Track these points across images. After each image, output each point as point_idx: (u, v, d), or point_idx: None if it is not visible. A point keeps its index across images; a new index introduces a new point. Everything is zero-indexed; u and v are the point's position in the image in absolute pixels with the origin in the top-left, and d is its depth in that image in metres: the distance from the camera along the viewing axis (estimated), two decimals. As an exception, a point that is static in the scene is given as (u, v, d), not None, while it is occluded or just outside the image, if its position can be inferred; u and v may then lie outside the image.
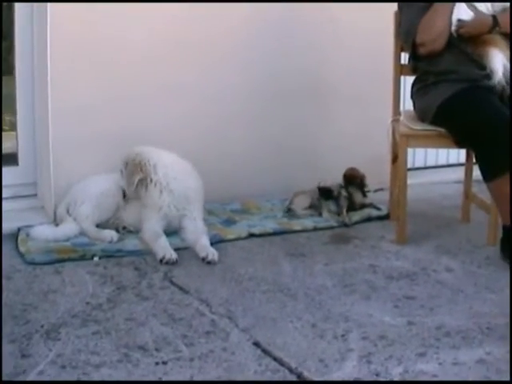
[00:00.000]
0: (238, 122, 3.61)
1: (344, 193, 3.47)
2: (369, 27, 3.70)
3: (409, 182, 3.11)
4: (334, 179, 3.53)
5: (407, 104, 3.39)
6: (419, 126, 3.07)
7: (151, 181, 3.01)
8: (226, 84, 3.54)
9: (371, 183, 3.65)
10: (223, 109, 3.57)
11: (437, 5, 2.98)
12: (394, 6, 3.26)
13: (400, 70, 3.34)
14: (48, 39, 3.12)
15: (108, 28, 3.25)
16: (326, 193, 3.46)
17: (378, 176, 3.65)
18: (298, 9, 3.61)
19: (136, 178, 3.00)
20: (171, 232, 3.05)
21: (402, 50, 3.31)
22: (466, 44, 2.99)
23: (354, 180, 3.53)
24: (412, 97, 3.24)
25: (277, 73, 3.65)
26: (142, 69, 3.35)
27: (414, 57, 3.12)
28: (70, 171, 3.21)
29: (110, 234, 3.02)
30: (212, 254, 2.84)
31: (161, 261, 2.81)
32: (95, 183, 3.14)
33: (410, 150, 3.15)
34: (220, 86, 3.53)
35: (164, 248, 2.86)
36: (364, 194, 3.57)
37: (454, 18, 2.97)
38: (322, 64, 3.77)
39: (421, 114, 3.14)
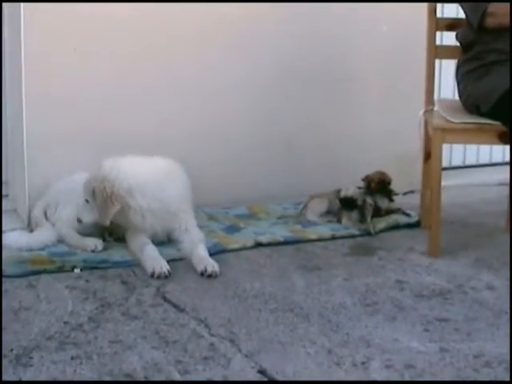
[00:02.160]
0: (244, 117, 3.62)
1: (370, 200, 3.45)
2: (397, 5, 3.69)
3: (444, 183, 3.11)
4: (357, 182, 3.51)
5: (442, 92, 3.37)
6: (457, 118, 3.05)
7: (129, 207, 2.95)
8: (228, 76, 3.55)
9: (400, 185, 3.65)
10: (226, 103, 3.58)
11: None
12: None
13: (435, 52, 3.33)
14: (22, 22, 3.12)
15: (91, 11, 3.24)
16: (348, 203, 3.44)
17: (407, 177, 3.66)
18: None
19: (111, 211, 2.94)
20: (161, 242, 3.04)
21: (438, 28, 3.31)
22: None
23: (380, 188, 3.49)
24: (460, 80, 3.21)
25: (286, 61, 3.65)
26: (129, 59, 3.36)
27: (478, 28, 3.10)
28: (47, 169, 3.22)
29: (94, 242, 3.02)
30: (211, 266, 2.84)
31: (152, 275, 2.79)
32: (79, 182, 3.08)
33: (445, 147, 3.14)
34: (222, 79, 3.55)
35: (153, 259, 2.86)
36: (390, 199, 3.56)
37: None
38: (340, 47, 3.76)
39: (475, 99, 3.10)
